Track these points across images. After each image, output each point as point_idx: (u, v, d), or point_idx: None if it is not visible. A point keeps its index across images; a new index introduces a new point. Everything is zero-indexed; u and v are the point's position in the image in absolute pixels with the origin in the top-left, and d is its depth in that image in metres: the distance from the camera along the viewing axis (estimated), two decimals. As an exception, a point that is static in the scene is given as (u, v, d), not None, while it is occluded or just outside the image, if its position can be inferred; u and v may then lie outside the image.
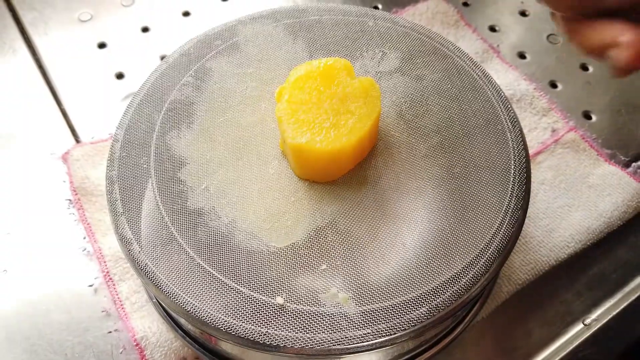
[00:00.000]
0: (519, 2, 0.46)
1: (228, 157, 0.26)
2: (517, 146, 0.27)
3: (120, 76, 0.39)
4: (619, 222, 0.34)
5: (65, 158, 0.34)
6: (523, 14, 0.45)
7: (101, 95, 0.38)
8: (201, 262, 0.23)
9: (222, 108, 0.28)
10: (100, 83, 0.39)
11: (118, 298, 0.30)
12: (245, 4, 0.44)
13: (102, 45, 0.41)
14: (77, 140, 0.36)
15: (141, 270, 0.23)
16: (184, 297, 0.23)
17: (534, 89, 0.39)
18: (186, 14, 0.43)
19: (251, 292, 0.23)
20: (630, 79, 0.40)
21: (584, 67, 0.42)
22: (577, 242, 0.33)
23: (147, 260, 0.24)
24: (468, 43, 0.42)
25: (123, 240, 0.24)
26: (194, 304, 0.22)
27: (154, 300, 0.29)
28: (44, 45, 0.40)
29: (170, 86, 0.29)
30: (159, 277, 0.23)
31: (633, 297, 0.32)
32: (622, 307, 0.31)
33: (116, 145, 0.27)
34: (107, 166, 0.26)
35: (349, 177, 0.26)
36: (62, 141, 0.36)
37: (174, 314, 0.27)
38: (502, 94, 0.29)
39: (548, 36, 0.44)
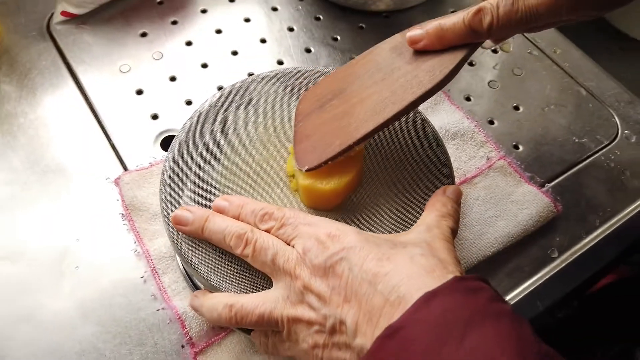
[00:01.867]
0: (468, 54, 0.57)
1: (245, 186, 0.38)
2: (446, 167, 0.39)
3: (154, 117, 0.50)
4: (532, 228, 0.45)
5: (117, 182, 0.45)
6: (470, 64, 0.57)
7: (140, 132, 0.49)
8: (221, 254, 0.35)
9: (240, 149, 0.39)
10: (139, 122, 0.50)
11: (162, 286, 0.41)
12: (251, 58, 0.55)
13: (139, 92, 0.52)
14: (125, 168, 0.47)
15: (187, 261, 0.35)
16: (212, 277, 0.34)
17: (475, 125, 0.51)
18: (204, 65, 0.54)
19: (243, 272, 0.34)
20: (551, 118, 0.52)
21: (516, 108, 0.54)
22: (500, 243, 0.44)
23: (190, 254, 0.35)
24: (425, 89, 0.53)
25: (174, 242, 0.35)
26: (217, 280, 0.34)
27: (190, 284, 0.40)
28: (94, 92, 0.51)
29: (203, 131, 0.40)
30: (198, 266, 0.34)
31: (538, 283, 0.43)
32: (529, 290, 0.43)
33: (166, 174, 0.38)
34: (160, 189, 0.37)
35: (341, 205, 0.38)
36: (114, 169, 0.47)
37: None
38: (439, 137, 0.41)
39: (489, 82, 0.56)
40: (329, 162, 0.35)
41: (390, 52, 0.36)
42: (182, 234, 0.35)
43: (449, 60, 0.33)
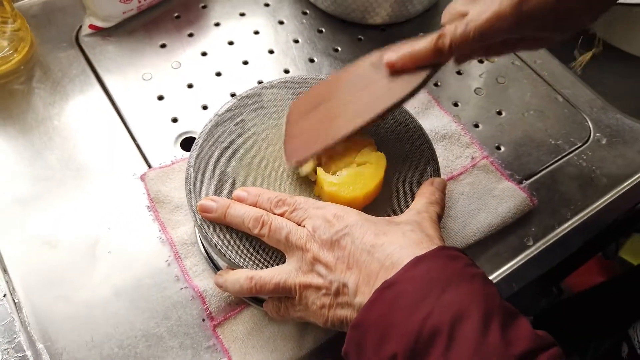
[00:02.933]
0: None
1: (258, 179, 0.43)
2: (433, 160, 0.45)
3: (174, 120, 0.56)
4: (510, 220, 0.51)
5: (143, 178, 0.51)
6: (458, 73, 0.63)
7: (162, 134, 0.55)
8: (240, 236, 0.40)
9: (254, 147, 0.45)
10: (161, 125, 0.56)
11: (184, 269, 0.47)
12: (260, 67, 0.61)
13: (160, 98, 0.58)
14: (149, 166, 0.53)
15: (211, 243, 0.40)
16: (233, 256, 0.39)
17: (461, 128, 0.57)
18: (218, 74, 0.60)
19: (259, 251, 0.40)
20: (531, 122, 0.58)
21: (499, 113, 0.60)
22: (482, 233, 0.50)
23: (214, 237, 0.40)
24: (417, 95, 0.59)
25: (199, 227, 0.41)
26: (237, 259, 0.39)
27: (211, 265, 0.46)
28: (119, 98, 0.57)
29: (221, 131, 0.46)
30: (222, 246, 0.40)
31: (514, 268, 0.49)
32: (506, 273, 0.49)
33: (190, 169, 0.44)
34: (186, 182, 0.43)
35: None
36: (139, 166, 0.52)
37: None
38: (428, 137, 0.47)
39: (475, 89, 0.61)
40: (315, 156, 0.42)
41: (370, 66, 0.43)
42: (206, 220, 0.41)
43: (416, 78, 0.40)
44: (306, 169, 0.42)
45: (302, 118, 0.45)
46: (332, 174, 0.42)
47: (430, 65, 0.40)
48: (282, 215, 0.39)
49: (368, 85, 0.42)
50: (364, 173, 0.42)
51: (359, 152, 0.43)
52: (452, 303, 0.29)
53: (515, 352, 0.27)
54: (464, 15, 0.38)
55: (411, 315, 0.30)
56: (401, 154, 0.45)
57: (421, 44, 0.39)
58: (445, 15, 0.41)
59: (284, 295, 0.38)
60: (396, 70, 0.40)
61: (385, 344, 0.30)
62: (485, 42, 0.38)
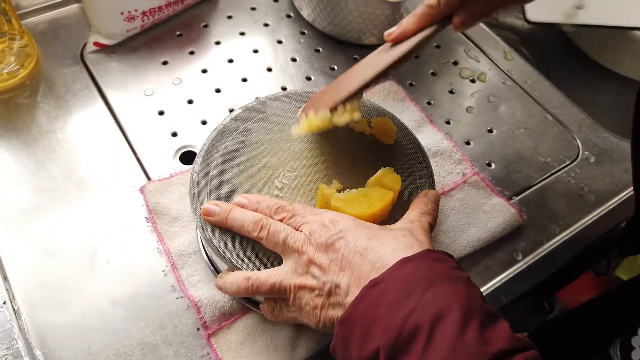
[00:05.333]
0: (448, 84, 0.65)
1: (260, 185, 0.45)
2: (429, 174, 0.47)
3: (174, 134, 0.58)
4: (500, 234, 0.52)
5: (142, 190, 0.53)
6: (451, 92, 0.65)
7: (162, 147, 0.56)
8: (240, 239, 0.42)
9: (256, 155, 0.47)
10: (161, 139, 0.57)
11: (180, 279, 0.48)
12: (259, 85, 0.63)
13: (161, 113, 0.60)
14: (149, 178, 0.54)
15: (212, 245, 0.42)
16: (232, 258, 0.41)
17: (453, 145, 0.58)
18: (218, 90, 0.62)
19: (257, 253, 0.41)
20: (521, 140, 0.60)
21: (490, 131, 0.61)
22: (472, 247, 0.51)
23: (215, 239, 0.42)
24: (411, 113, 0.61)
25: (202, 229, 0.42)
26: (236, 260, 0.41)
27: (211, 268, 0.47)
28: (121, 112, 0.59)
29: (225, 139, 0.47)
30: (222, 248, 0.41)
31: (503, 281, 0.50)
32: (496, 286, 0.50)
33: (195, 175, 0.45)
34: (190, 187, 0.44)
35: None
36: (139, 179, 0.54)
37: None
38: (424, 151, 0.48)
39: (467, 108, 0.63)
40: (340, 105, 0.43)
41: (376, 52, 0.46)
42: (209, 223, 0.42)
43: (416, 37, 0.42)
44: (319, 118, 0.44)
45: (318, 94, 0.48)
46: (339, 191, 0.44)
47: (426, 26, 0.42)
48: (281, 220, 0.40)
49: (376, 58, 0.45)
50: (371, 194, 0.43)
51: (378, 171, 0.45)
52: (434, 302, 0.31)
53: (491, 351, 0.28)
54: None
55: (395, 312, 0.31)
56: (400, 167, 0.47)
57: (417, 9, 0.41)
58: None
59: (279, 297, 0.39)
60: (397, 39, 0.43)
61: (369, 338, 0.31)
62: None
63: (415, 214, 0.41)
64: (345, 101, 0.43)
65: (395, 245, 0.36)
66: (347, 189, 0.44)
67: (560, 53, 0.98)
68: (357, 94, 0.43)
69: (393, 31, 0.43)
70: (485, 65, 0.68)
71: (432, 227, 0.41)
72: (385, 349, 0.31)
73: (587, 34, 0.85)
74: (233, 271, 0.41)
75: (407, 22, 0.42)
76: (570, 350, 0.79)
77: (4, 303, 0.45)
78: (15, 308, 0.45)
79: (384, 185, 0.44)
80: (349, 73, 0.47)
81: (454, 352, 0.28)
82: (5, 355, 0.43)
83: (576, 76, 0.89)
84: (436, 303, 0.31)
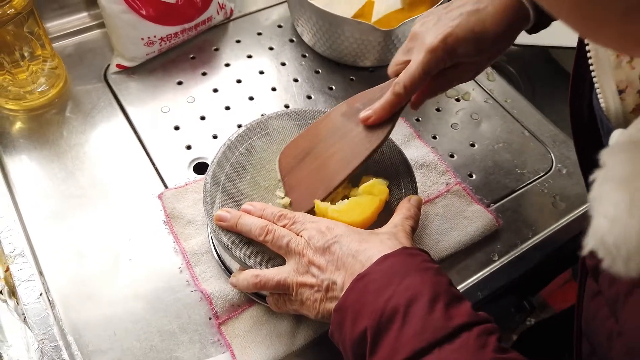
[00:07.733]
0: (436, 102, 0.72)
1: (265, 195, 0.51)
2: (412, 181, 0.53)
3: (188, 147, 0.65)
4: (478, 238, 0.58)
5: (160, 197, 0.59)
6: (437, 109, 0.72)
7: (177, 159, 0.63)
8: (249, 242, 0.48)
9: (261, 167, 0.53)
10: (177, 151, 0.64)
11: (194, 275, 0.54)
12: (264, 103, 0.70)
13: (176, 128, 0.66)
14: (166, 186, 0.61)
15: (224, 247, 0.48)
16: (243, 257, 0.47)
17: (438, 158, 0.65)
18: (227, 108, 0.69)
19: (263, 254, 0.47)
20: (500, 153, 0.66)
21: (472, 145, 0.68)
22: (453, 248, 0.57)
23: (227, 241, 0.48)
24: (400, 129, 0.67)
25: (215, 233, 0.49)
26: (246, 259, 0.47)
27: (222, 268, 0.53)
28: (141, 127, 0.66)
29: (233, 154, 0.54)
30: (233, 249, 0.48)
31: (479, 279, 0.56)
32: (474, 283, 0.56)
33: (207, 185, 0.51)
34: (203, 195, 0.51)
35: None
36: (157, 187, 0.60)
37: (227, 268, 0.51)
38: (409, 162, 0.55)
39: (451, 124, 0.70)
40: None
41: (341, 117, 0.52)
42: (221, 228, 0.49)
43: (386, 124, 0.49)
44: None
45: (294, 168, 0.53)
46: (331, 203, 0.50)
47: (396, 110, 0.49)
48: (283, 226, 0.47)
49: (345, 134, 0.51)
50: (361, 202, 0.50)
51: (366, 181, 0.51)
52: (408, 288, 0.37)
53: (453, 325, 0.35)
54: (406, 63, 0.48)
55: (377, 298, 0.38)
56: (386, 177, 0.53)
57: (385, 97, 0.48)
58: (391, 68, 0.51)
59: (283, 292, 0.46)
60: (374, 123, 0.50)
61: (358, 321, 0.38)
62: (429, 77, 0.47)
63: (399, 218, 0.48)
64: (334, 190, 0.50)
65: (381, 247, 0.43)
66: (341, 200, 0.51)
67: (546, 71, 1.05)
68: (343, 182, 0.50)
69: (369, 115, 0.49)
70: (470, 85, 0.74)
71: (414, 229, 0.48)
72: (371, 329, 0.37)
73: (570, 53, 0.91)
74: (244, 270, 0.48)
75: (380, 108, 0.49)
76: (560, 351, 0.85)
77: (40, 295, 0.52)
78: (50, 299, 0.52)
79: (371, 193, 0.50)
80: (322, 146, 0.52)
81: (424, 327, 0.35)
82: (42, 339, 0.49)
83: (560, 93, 0.95)
84: (410, 289, 0.37)
